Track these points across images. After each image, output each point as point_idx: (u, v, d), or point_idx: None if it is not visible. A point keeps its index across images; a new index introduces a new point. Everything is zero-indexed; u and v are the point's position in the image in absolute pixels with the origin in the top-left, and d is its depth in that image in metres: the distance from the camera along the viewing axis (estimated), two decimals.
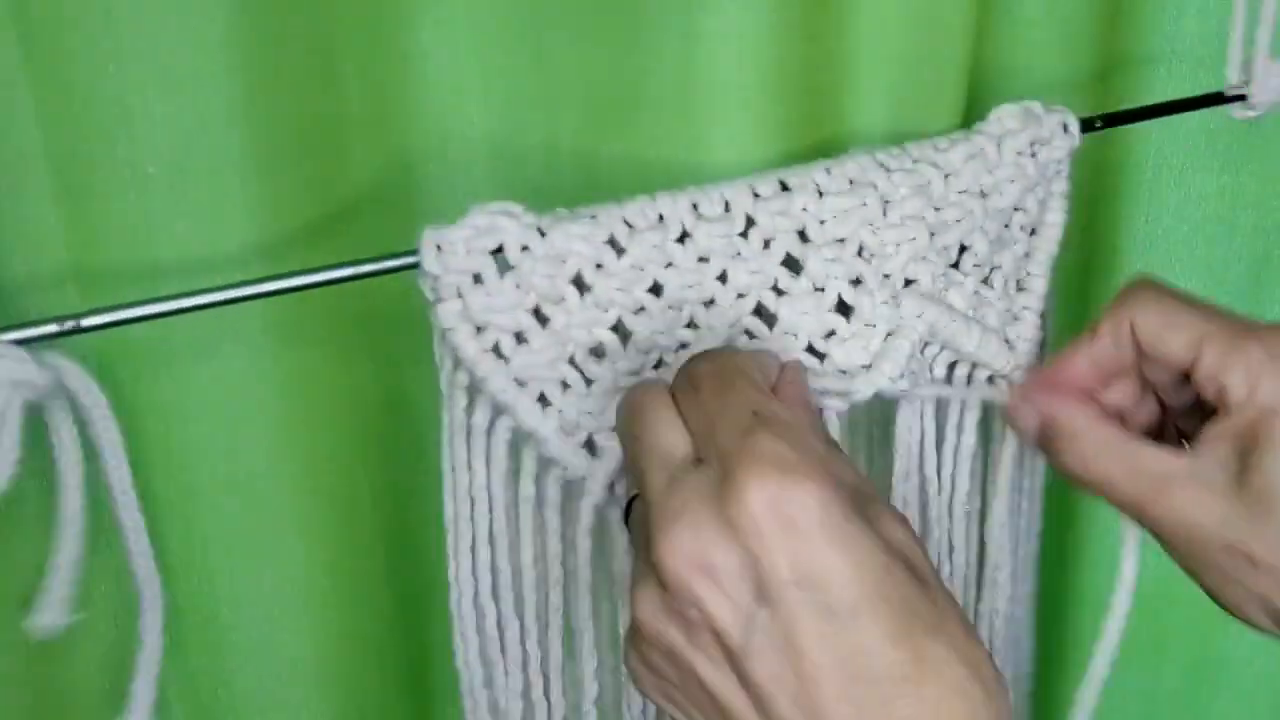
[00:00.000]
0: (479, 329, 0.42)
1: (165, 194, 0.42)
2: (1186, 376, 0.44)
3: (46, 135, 0.41)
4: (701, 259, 0.44)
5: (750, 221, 0.44)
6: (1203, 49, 0.56)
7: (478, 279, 0.42)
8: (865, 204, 0.45)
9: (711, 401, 0.38)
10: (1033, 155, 0.48)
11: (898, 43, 0.49)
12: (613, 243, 0.43)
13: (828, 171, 0.45)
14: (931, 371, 0.49)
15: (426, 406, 0.53)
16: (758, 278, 0.45)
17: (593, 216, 0.43)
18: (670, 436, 0.38)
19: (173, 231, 0.43)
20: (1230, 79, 0.52)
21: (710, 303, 0.45)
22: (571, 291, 0.43)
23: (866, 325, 0.46)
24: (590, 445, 0.44)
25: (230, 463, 0.48)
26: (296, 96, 0.44)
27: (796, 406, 0.40)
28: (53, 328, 0.39)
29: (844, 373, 0.46)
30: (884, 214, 0.45)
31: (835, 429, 0.46)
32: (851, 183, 0.45)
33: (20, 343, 0.39)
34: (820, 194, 0.45)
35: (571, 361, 0.44)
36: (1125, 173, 0.60)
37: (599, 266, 0.43)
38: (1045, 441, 0.46)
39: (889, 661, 0.34)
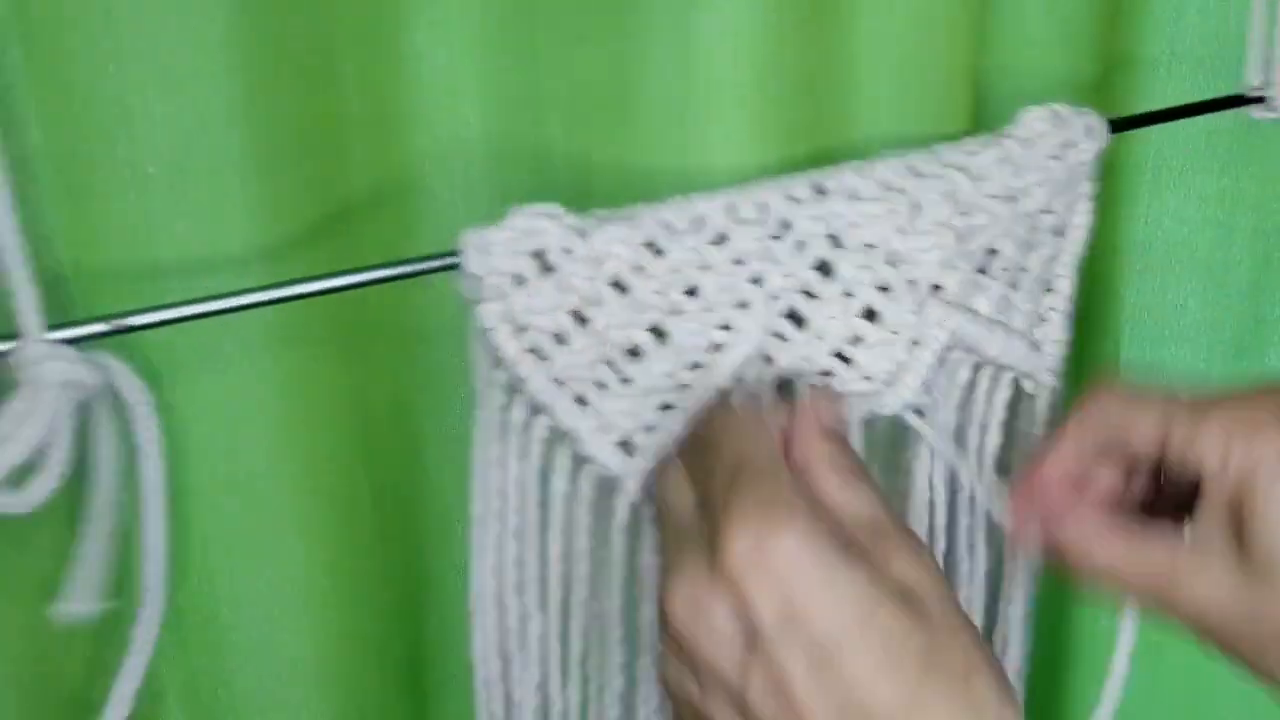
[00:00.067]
0: (520, 329, 0.43)
1: (165, 194, 0.42)
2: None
3: (46, 135, 0.41)
4: (737, 261, 0.44)
5: (786, 225, 0.44)
6: (1203, 49, 0.56)
7: (519, 280, 0.42)
8: (896, 209, 0.45)
9: (707, 458, 0.40)
10: (1061, 158, 0.48)
11: (900, 44, 0.49)
12: (651, 245, 0.43)
13: (860, 175, 0.45)
14: (955, 377, 0.48)
15: (426, 407, 0.53)
16: (790, 281, 0.45)
17: (629, 218, 0.43)
18: (675, 497, 0.41)
19: (173, 231, 0.43)
20: (1250, 80, 0.51)
21: (744, 305, 0.45)
22: (610, 293, 0.43)
23: (892, 332, 0.46)
24: (625, 444, 0.45)
25: (230, 463, 0.48)
26: (296, 96, 0.44)
27: (814, 440, 0.41)
28: (101, 327, 0.39)
29: (866, 385, 0.46)
30: (913, 220, 0.45)
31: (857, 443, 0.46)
32: (882, 187, 0.45)
33: (68, 342, 0.39)
34: (853, 199, 0.45)
35: (609, 362, 0.44)
36: (1125, 174, 0.60)
37: (638, 269, 0.43)
38: (1055, 560, 0.46)
39: (880, 699, 0.35)
